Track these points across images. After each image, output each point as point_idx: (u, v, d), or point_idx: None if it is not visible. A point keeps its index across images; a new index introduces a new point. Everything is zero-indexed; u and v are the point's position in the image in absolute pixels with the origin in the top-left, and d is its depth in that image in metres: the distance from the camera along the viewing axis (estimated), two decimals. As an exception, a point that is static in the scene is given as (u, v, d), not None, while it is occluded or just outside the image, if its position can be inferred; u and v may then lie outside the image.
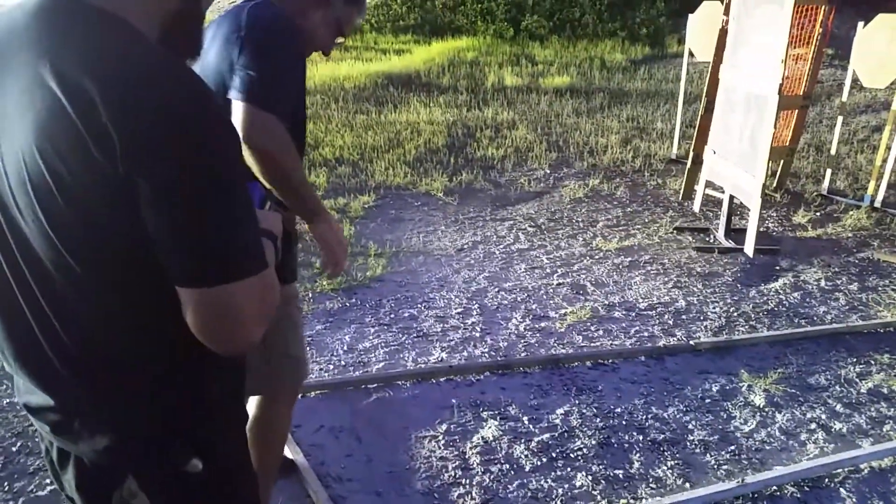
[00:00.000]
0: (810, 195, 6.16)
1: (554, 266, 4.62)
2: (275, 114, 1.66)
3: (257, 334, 1.02)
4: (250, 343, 1.02)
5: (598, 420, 2.97)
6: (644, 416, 3.01)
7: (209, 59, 1.72)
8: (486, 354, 3.47)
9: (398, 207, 5.62)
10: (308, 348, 3.33)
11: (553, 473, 2.62)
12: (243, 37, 1.68)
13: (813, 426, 2.98)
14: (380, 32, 13.10)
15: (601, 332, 3.74)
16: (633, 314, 3.98)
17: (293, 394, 2.25)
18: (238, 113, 1.65)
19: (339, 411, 2.96)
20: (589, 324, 3.83)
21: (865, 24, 5.84)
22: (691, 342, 3.63)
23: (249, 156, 1.66)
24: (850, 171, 6.70)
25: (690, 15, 7.21)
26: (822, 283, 4.45)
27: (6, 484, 2.47)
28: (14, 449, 2.64)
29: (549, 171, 6.65)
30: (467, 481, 2.57)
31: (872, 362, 3.51)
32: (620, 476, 2.63)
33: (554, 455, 2.73)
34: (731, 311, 4.04)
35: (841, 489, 2.59)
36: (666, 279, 4.46)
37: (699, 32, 6.94)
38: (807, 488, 2.58)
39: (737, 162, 4.91)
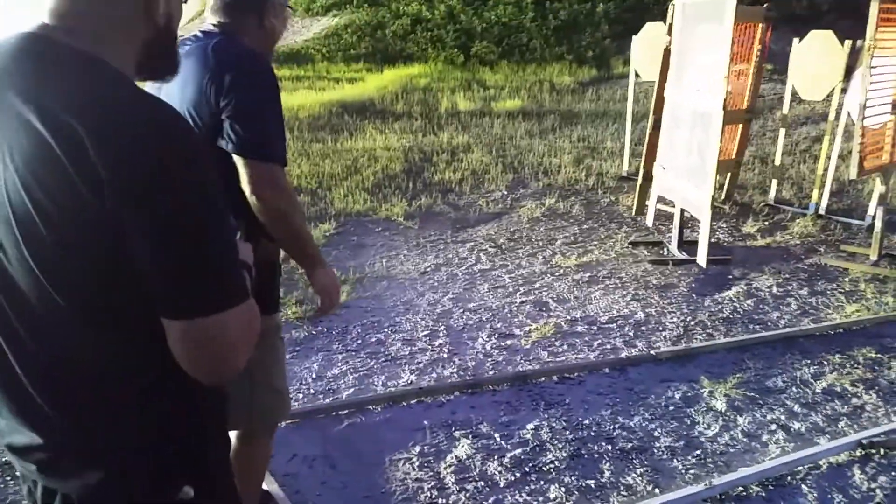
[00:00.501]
0: (758, 205, 6.38)
1: (516, 285, 4.70)
2: (278, 162, 1.72)
3: (243, 362, 1.05)
4: (236, 371, 1.05)
5: (568, 433, 3.03)
6: (612, 426, 3.08)
7: (173, 95, 1.73)
8: (455, 375, 3.51)
9: (359, 234, 5.66)
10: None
11: (527, 487, 2.67)
12: (225, 83, 1.68)
13: (773, 427, 3.09)
14: (331, 62, 13.17)
15: (565, 347, 3.82)
16: (595, 328, 4.07)
17: (273, 428, 2.26)
18: (243, 170, 1.69)
19: (311, 439, 2.96)
20: (553, 339, 3.91)
21: (801, 40, 6.12)
22: (652, 352, 3.73)
23: (259, 211, 1.71)
24: (794, 181, 6.96)
25: (634, 36, 7.44)
26: (774, 289, 4.61)
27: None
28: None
29: (506, 192, 6.77)
30: (443, 501, 2.60)
31: (825, 363, 3.66)
32: (592, 486, 2.69)
33: (527, 469, 2.78)
34: (688, 320, 4.17)
35: (802, 485, 2.69)
36: (624, 292, 4.57)
37: (643, 53, 7.17)
38: (771, 487, 2.68)
39: (686, 176, 5.08)
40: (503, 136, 8.68)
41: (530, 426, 3.07)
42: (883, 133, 5.01)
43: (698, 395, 3.35)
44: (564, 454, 2.88)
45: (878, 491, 2.67)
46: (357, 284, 4.65)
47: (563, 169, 7.43)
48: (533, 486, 2.68)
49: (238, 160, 1.70)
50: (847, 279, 4.79)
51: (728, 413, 3.19)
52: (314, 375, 3.48)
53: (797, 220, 5.95)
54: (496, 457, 2.86)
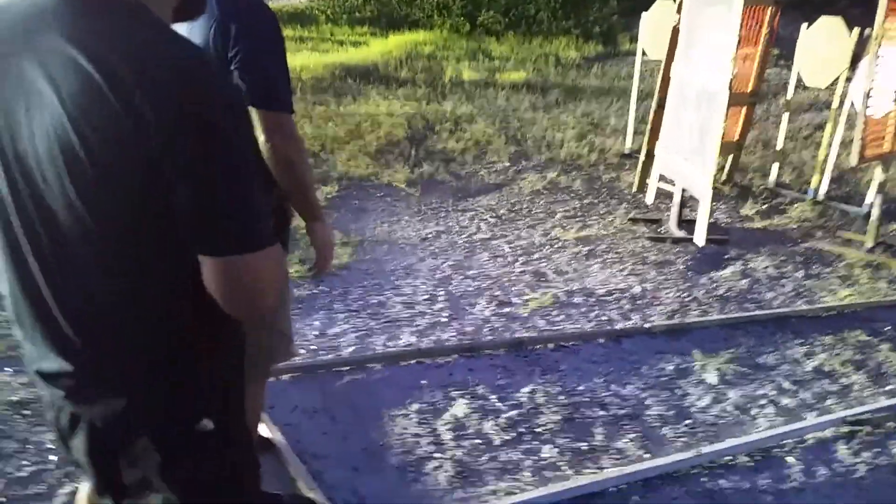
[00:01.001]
0: (758, 188, 6.43)
1: (515, 255, 4.75)
2: (286, 110, 1.76)
3: (274, 301, 1.10)
4: (268, 309, 1.10)
5: (562, 397, 3.11)
6: (605, 394, 3.16)
7: None
8: (454, 339, 3.58)
9: (361, 198, 5.69)
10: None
11: (522, 447, 2.75)
12: (231, 33, 1.72)
13: (763, 402, 3.17)
14: (335, 24, 13.06)
15: (562, 317, 3.89)
16: (593, 300, 4.13)
17: (269, 368, 2.32)
18: (255, 119, 1.73)
19: (312, 393, 3.03)
20: (551, 309, 3.97)
21: (809, 26, 6.12)
22: (646, 325, 3.80)
23: (270, 159, 1.75)
24: (795, 166, 7.00)
25: (643, 14, 7.42)
26: (770, 270, 4.68)
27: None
28: (-12, 431, 2.65)
29: (508, 164, 6.79)
30: (440, 455, 2.67)
31: (816, 343, 3.74)
32: (584, 448, 2.77)
33: (522, 430, 2.86)
34: (683, 296, 4.24)
35: (788, 458, 2.78)
36: (622, 267, 4.63)
37: (652, 31, 7.15)
38: (758, 457, 2.76)
39: (688, 157, 5.11)
40: (507, 108, 8.67)
41: (525, 390, 3.14)
42: (885, 122, 5.05)
43: (690, 368, 3.43)
44: (558, 417, 2.96)
45: (861, 466, 2.76)
46: (358, 247, 4.69)
47: (565, 144, 7.44)
48: (527, 446, 2.76)
49: (250, 109, 1.73)
50: (842, 264, 4.86)
51: (719, 386, 3.27)
52: (316, 332, 3.54)
53: (796, 205, 6.00)
54: (492, 417, 2.93)
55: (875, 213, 5.10)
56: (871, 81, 4.71)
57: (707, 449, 2.74)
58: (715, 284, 4.43)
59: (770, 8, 5.71)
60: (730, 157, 6.48)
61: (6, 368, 3.01)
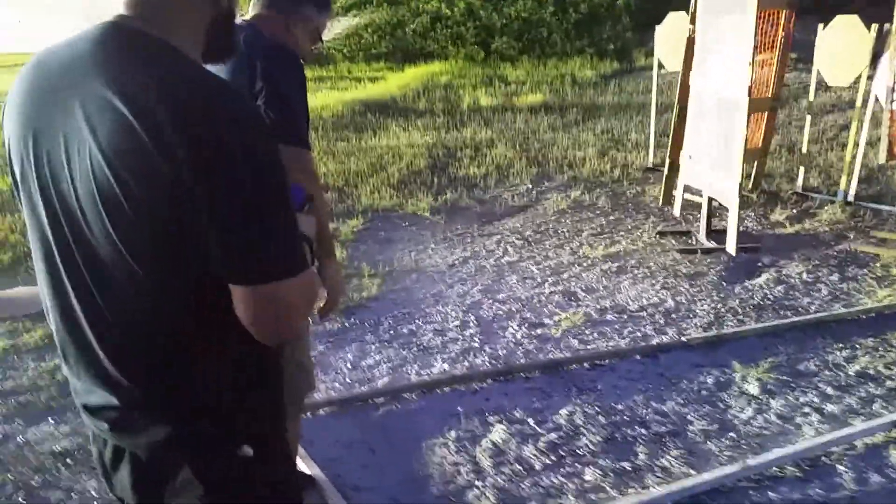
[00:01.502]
0: (786, 193, 6.35)
1: (544, 275, 4.73)
2: (305, 146, 1.81)
3: (301, 327, 1.12)
4: (294, 333, 1.12)
5: (601, 417, 3.06)
6: (645, 411, 3.11)
7: None
8: (487, 363, 3.56)
9: (387, 229, 5.72)
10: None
11: (563, 470, 2.71)
12: (258, 70, 1.80)
13: (807, 409, 3.10)
14: (352, 62, 13.30)
15: (596, 335, 3.85)
16: (625, 316, 4.09)
17: (300, 402, 2.32)
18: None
19: (349, 426, 3.02)
20: (583, 328, 3.94)
21: (825, 27, 6.08)
22: (683, 338, 3.74)
23: None
24: (822, 169, 6.91)
25: (657, 26, 7.43)
26: (804, 275, 4.60)
27: (29, 516, 2.51)
28: (34, 483, 2.68)
29: (530, 186, 6.80)
30: (481, 483, 2.65)
31: (858, 347, 3.65)
32: (628, 468, 2.72)
33: (562, 453, 2.82)
34: (718, 307, 4.17)
35: (838, 466, 2.70)
36: (653, 281, 4.58)
37: (667, 43, 7.15)
38: (806, 467, 2.69)
39: (713, 165, 5.08)
40: (526, 131, 8.70)
41: (563, 411, 3.11)
42: (912, 117, 4.97)
43: (730, 379, 3.36)
44: (599, 438, 2.91)
45: (915, 470, 2.67)
46: (387, 278, 4.71)
47: (587, 161, 7.43)
48: (569, 469, 2.72)
49: None
50: (878, 265, 4.76)
51: (761, 396, 3.20)
52: (349, 365, 3.54)
53: (826, 208, 5.91)
54: (531, 441, 2.90)
55: (909, 210, 5.00)
56: (894, 76, 4.65)
57: (753, 461, 2.67)
58: (750, 293, 4.36)
59: (784, 11, 5.69)
60: (755, 164, 6.42)
61: (50, 419, 3.06)
